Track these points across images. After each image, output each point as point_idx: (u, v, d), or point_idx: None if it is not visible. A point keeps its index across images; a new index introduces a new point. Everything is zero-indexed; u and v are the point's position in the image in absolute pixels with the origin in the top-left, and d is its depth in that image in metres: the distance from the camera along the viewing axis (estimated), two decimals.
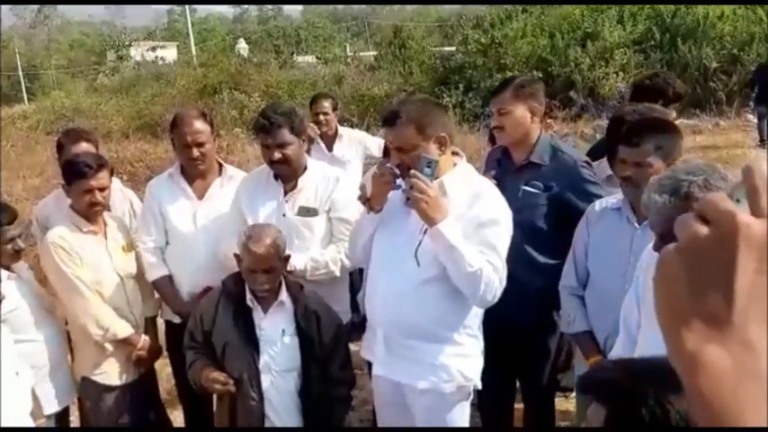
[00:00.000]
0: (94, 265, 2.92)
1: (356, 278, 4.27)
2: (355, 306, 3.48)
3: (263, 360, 2.64)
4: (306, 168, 3.00)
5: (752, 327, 0.47)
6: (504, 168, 2.94)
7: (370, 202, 2.47)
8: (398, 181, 2.40)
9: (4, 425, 2.22)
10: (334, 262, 2.93)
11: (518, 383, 3.16)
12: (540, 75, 12.81)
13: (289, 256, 2.71)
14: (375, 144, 5.06)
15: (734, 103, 13.85)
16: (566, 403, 3.71)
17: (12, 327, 2.56)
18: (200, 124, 3.09)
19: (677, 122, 3.08)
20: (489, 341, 2.58)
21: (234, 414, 2.68)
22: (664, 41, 15.22)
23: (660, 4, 15.24)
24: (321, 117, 4.97)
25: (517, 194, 2.76)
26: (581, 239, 2.64)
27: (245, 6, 69.94)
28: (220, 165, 3.26)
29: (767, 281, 0.47)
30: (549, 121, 4.02)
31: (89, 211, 2.92)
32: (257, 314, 2.66)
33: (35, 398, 2.54)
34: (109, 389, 2.98)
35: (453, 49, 16.90)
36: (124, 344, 2.98)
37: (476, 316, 2.51)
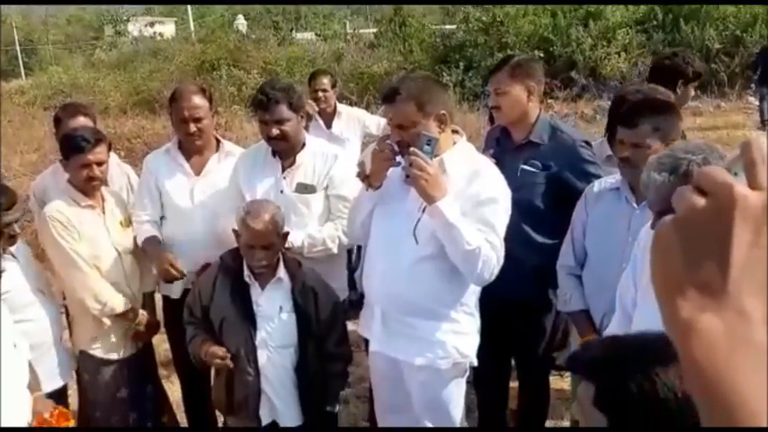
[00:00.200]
0: (92, 239, 2.92)
1: (353, 256, 4.28)
2: (353, 284, 3.50)
3: (260, 336, 2.65)
4: (304, 145, 2.99)
5: (746, 297, 0.47)
6: (503, 147, 2.94)
7: (369, 179, 2.46)
8: (398, 158, 2.39)
9: (2, 396, 2.23)
10: (331, 239, 2.93)
11: (513, 362, 3.19)
12: (542, 54, 12.72)
13: (287, 233, 2.71)
14: (374, 122, 5.04)
15: (736, 84, 13.78)
16: (561, 382, 3.74)
17: (8, 307, 2.57)
18: (198, 99, 3.07)
19: (693, 102, 3.07)
20: (485, 319, 2.60)
21: (231, 388, 2.71)
22: (666, 22, 15.10)
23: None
24: (320, 94, 4.94)
25: (516, 173, 2.75)
26: (579, 219, 2.64)
27: None
28: (218, 140, 3.25)
29: (764, 253, 0.47)
30: (549, 101, 4.00)
31: (87, 186, 2.92)
32: (255, 290, 2.67)
33: (33, 373, 2.55)
34: (107, 362, 2.99)
35: (454, 27, 16.75)
36: (122, 318, 2.99)
37: (473, 294, 2.52)
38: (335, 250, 2.97)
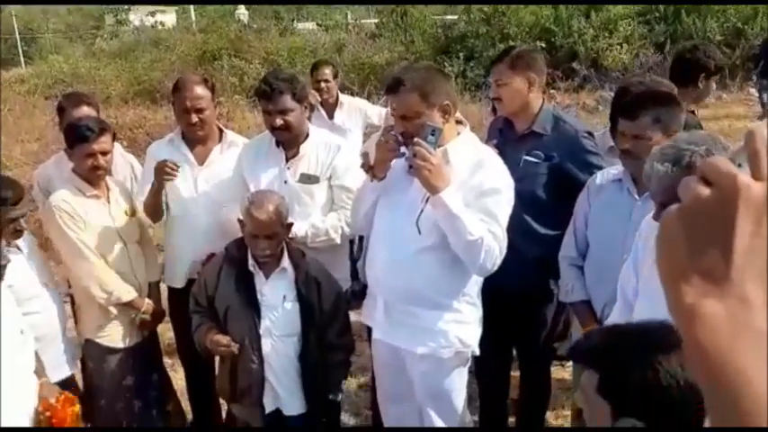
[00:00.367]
0: (98, 228, 2.94)
1: (355, 246, 4.29)
2: (355, 274, 3.52)
3: (264, 325, 2.67)
4: (308, 135, 3.00)
5: (748, 284, 0.49)
6: (506, 138, 2.95)
7: (373, 169, 2.48)
8: (402, 149, 2.40)
9: (9, 381, 2.25)
10: (334, 229, 2.95)
11: (515, 352, 3.21)
12: (543, 45, 12.68)
13: (291, 224, 2.73)
14: (376, 113, 5.04)
15: (737, 76, 13.73)
16: (562, 372, 3.77)
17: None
18: (200, 90, 3.08)
19: (714, 94, 3.08)
20: (487, 309, 2.62)
21: (235, 376, 2.74)
22: (668, 13, 15.04)
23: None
24: (322, 84, 4.94)
25: (518, 164, 2.76)
26: (582, 210, 2.66)
27: None
28: (221, 130, 3.26)
29: (765, 242, 0.49)
30: (551, 92, 4.00)
31: (91, 175, 2.93)
32: (259, 279, 2.69)
33: (39, 361, 2.57)
34: (112, 351, 3.02)
35: (456, 17, 16.68)
36: (128, 307, 3.01)
37: (475, 284, 2.54)
38: (338, 240, 2.99)
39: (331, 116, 4.93)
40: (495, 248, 2.35)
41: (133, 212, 3.10)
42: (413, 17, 16.55)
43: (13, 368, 2.29)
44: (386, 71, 12.84)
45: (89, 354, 3.03)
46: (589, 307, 2.64)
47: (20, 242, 2.83)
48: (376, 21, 19.04)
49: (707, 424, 0.51)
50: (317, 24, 20.12)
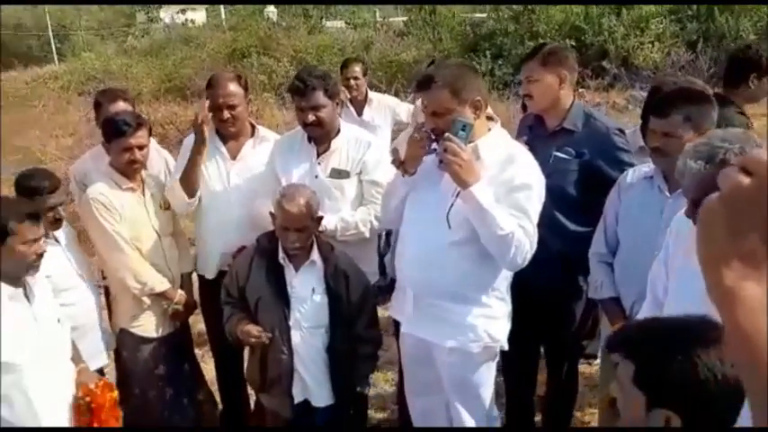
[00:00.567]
0: (133, 221, 3.01)
1: (382, 242, 4.31)
2: (382, 269, 3.54)
3: (294, 316, 2.72)
4: (339, 131, 3.04)
5: None
6: (536, 134, 2.95)
7: (404, 165, 2.50)
8: (433, 145, 2.42)
9: (47, 367, 2.32)
10: (363, 223, 2.98)
11: (542, 348, 3.20)
12: (573, 43, 12.56)
13: (321, 217, 2.77)
14: (404, 109, 5.07)
15: None
16: (589, 369, 3.76)
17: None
18: (233, 87, 3.13)
19: None
20: (515, 305, 2.63)
21: (264, 367, 2.78)
22: (700, 11, 14.80)
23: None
24: (352, 82, 4.99)
25: (548, 160, 2.76)
26: (612, 207, 2.65)
27: None
28: (253, 126, 3.31)
29: None
30: (581, 90, 3.98)
31: (128, 169, 3.00)
32: (289, 272, 2.73)
33: (76, 348, 2.64)
34: (146, 340, 3.09)
35: (484, 15, 16.62)
36: (161, 298, 3.08)
37: (504, 279, 2.55)
38: (367, 234, 3.02)
39: (360, 113, 4.97)
40: (525, 243, 2.36)
41: (167, 206, 3.17)
42: (441, 15, 16.51)
43: (51, 356, 2.36)
44: (413, 69, 12.83)
45: (123, 343, 3.10)
46: (618, 304, 2.63)
47: (58, 233, 2.91)
48: (404, 19, 19.03)
49: (744, 412, 0.52)
50: (346, 23, 20.17)
